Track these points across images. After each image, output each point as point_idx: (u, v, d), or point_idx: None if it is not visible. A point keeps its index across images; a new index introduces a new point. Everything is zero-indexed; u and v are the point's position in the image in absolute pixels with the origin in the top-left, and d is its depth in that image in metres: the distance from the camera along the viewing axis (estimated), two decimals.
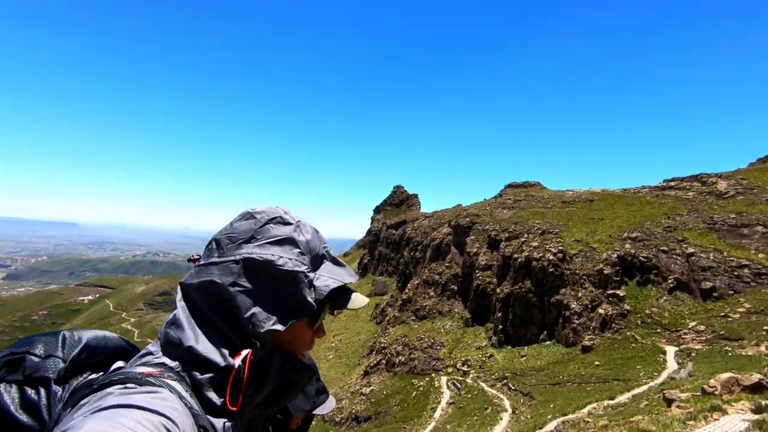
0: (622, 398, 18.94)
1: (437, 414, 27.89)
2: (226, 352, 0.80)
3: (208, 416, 0.77)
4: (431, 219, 59.74)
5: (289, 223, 0.94)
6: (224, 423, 0.78)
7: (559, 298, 32.64)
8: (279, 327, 0.84)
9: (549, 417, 18.51)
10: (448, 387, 31.16)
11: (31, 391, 0.76)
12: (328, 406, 1.56)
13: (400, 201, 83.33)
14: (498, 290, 37.11)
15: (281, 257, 0.88)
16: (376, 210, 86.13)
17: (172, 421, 0.65)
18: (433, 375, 33.77)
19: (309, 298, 0.89)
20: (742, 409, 6.62)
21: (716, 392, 11.08)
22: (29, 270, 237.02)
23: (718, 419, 6.23)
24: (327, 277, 0.93)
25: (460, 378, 31.83)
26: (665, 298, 29.78)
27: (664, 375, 21.63)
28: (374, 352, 42.59)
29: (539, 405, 22.60)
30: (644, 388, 19.92)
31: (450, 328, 38.99)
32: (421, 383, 32.89)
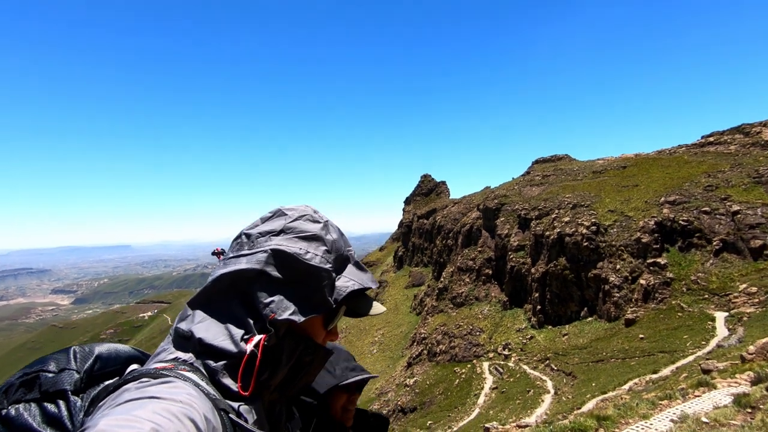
0: (666, 371, 18.24)
1: (481, 400, 27.88)
2: (238, 337, 0.82)
3: (228, 401, 0.78)
4: (460, 205, 59.09)
5: (318, 222, 0.96)
6: (244, 406, 0.80)
7: (596, 272, 31.62)
8: (297, 318, 0.85)
9: (588, 396, 18.12)
10: (490, 372, 31.03)
11: (50, 406, 0.77)
12: (361, 375, 1.57)
13: (428, 190, 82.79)
14: (533, 270, 36.38)
15: (309, 252, 0.90)
16: (407, 201, 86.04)
17: (191, 406, 0.64)
18: (474, 361, 33.70)
19: (328, 297, 0.90)
20: (745, 380, 6.23)
21: (754, 359, 10.52)
22: (94, 293, 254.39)
23: (699, 395, 5.93)
24: (348, 278, 0.94)
25: (502, 362, 31.61)
26: (711, 261, 28.19)
27: (712, 343, 20.60)
28: (415, 343, 42.96)
29: (581, 384, 22.14)
30: (690, 358, 19.08)
31: (488, 312, 38.66)
32: (463, 370, 32.92)
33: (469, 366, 33.26)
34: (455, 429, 24.42)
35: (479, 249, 44.74)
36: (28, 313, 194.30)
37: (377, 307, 1.00)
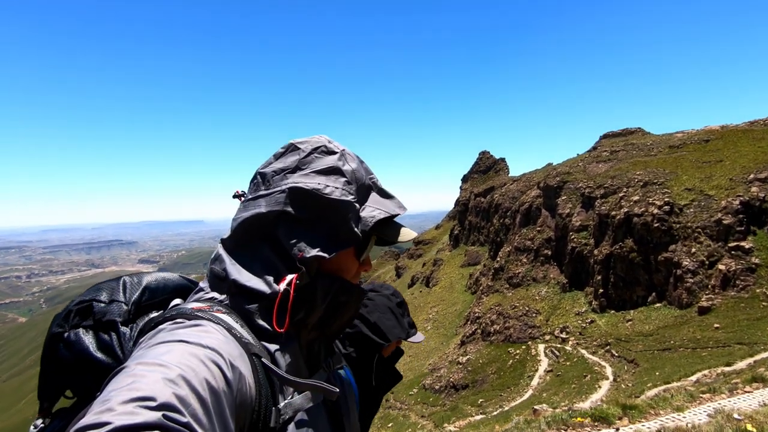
0: (742, 364, 16.79)
1: (534, 382, 27.41)
2: (270, 279, 0.81)
3: (263, 342, 0.78)
4: (519, 182, 56.87)
5: (334, 152, 0.91)
6: (280, 347, 0.80)
7: (668, 255, 29.34)
8: (324, 254, 0.83)
9: (649, 385, 17.17)
10: (546, 355, 30.28)
11: (103, 334, 0.83)
12: (418, 338, 1.68)
13: (486, 167, 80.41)
14: (596, 252, 34.48)
15: (327, 186, 0.86)
16: (464, 179, 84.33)
17: (217, 351, 0.64)
18: (529, 343, 33.01)
19: (355, 228, 0.87)
20: None
21: None
22: (174, 264, 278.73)
23: (750, 391, 5.33)
24: (373, 208, 0.91)
25: (559, 345, 30.67)
26: None
27: None
28: (469, 322, 42.80)
29: (643, 372, 20.99)
30: None
31: (546, 294, 37.43)
32: (518, 351, 32.41)
33: (523, 347, 32.67)
34: (506, 408, 24.32)
35: (538, 228, 43.07)
36: None
37: (406, 233, 0.97)
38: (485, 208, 62.38)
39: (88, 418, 0.51)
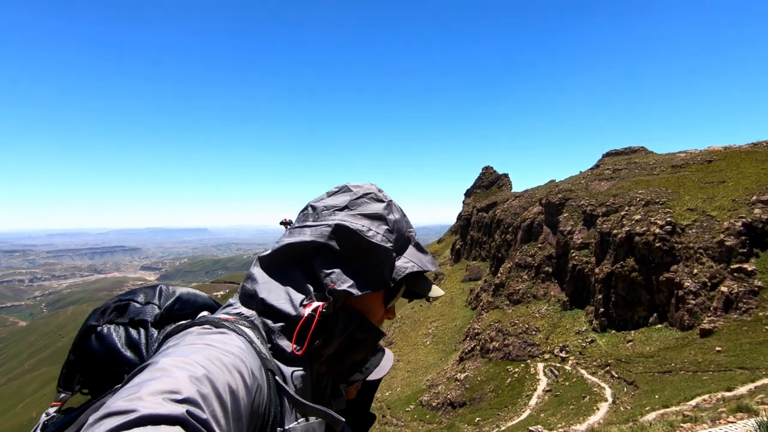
0: (743, 389, 16.45)
1: (533, 402, 26.98)
2: (297, 303, 0.85)
3: (277, 362, 0.81)
4: (521, 198, 56.80)
5: (382, 201, 0.97)
6: (293, 371, 0.82)
7: (669, 276, 29.05)
8: (355, 291, 0.86)
9: (647, 409, 16.86)
10: (545, 374, 29.85)
11: (134, 332, 0.89)
12: (381, 371, 1.38)
13: (489, 182, 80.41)
14: (597, 270, 34.21)
15: (371, 230, 0.91)
16: (467, 194, 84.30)
17: (241, 359, 0.67)
18: (528, 361, 32.58)
19: (388, 275, 0.91)
20: None
21: None
22: (176, 271, 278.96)
23: (733, 422, 5.20)
24: (408, 260, 0.95)
25: (558, 365, 30.26)
26: None
27: None
28: (469, 338, 42.37)
29: (643, 395, 20.62)
30: None
31: (546, 312, 37.07)
32: (516, 369, 31.99)
33: (522, 365, 32.24)
34: (503, 428, 23.91)
35: (539, 245, 42.87)
36: (121, 286, 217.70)
37: (436, 290, 1.00)
38: (487, 223, 62.25)
39: (117, 404, 0.55)
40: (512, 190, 72.39)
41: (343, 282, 0.87)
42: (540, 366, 31.19)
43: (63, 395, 0.86)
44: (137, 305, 0.93)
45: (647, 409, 16.99)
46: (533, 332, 35.26)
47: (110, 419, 0.55)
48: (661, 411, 16.00)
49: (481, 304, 46.54)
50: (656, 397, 19.43)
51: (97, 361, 0.86)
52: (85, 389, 0.86)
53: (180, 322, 0.86)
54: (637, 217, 33.03)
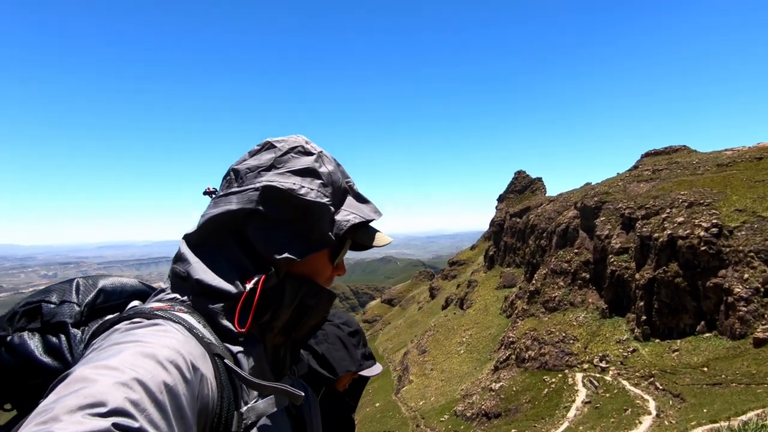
0: None
1: (571, 414, 25.99)
2: (237, 279, 0.78)
3: (226, 344, 0.75)
4: (556, 203, 55.19)
5: (311, 153, 0.88)
6: (244, 349, 0.76)
7: (717, 281, 27.38)
8: (294, 256, 0.80)
9: (693, 423, 15.93)
10: (584, 385, 28.71)
11: (52, 337, 0.79)
12: (373, 371, 1.56)
13: (522, 187, 78.64)
14: (637, 276, 32.69)
15: (303, 187, 0.83)
16: (499, 199, 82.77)
17: (177, 352, 0.61)
18: (566, 371, 31.44)
19: (329, 232, 0.84)
20: None
21: None
22: None
23: None
24: (348, 212, 0.88)
25: (598, 375, 29.03)
26: None
27: None
28: (503, 347, 41.39)
29: (690, 408, 19.49)
30: None
31: (584, 320, 35.71)
32: (553, 380, 30.94)
33: (560, 376, 31.15)
34: None
35: (576, 251, 41.46)
36: None
37: (381, 238, 0.94)
38: (521, 229, 60.88)
39: (28, 430, 0.46)
40: (546, 194, 70.55)
41: (281, 249, 0.80)
42: (579, 376, 30.04)
43: None
44: (50, 306, 0.82)
45: (693, 423, 16.07)
46: (571, 341, 34.03)
47: None
48: (709, 426, 15.08)
49: (516, 311, 45.41)
50: (704, 410, 18.33)
51: (14, 376, 0.77)
52: (7, 404, 0.78)
53: (105, 318, 0.78)
54: (680, 219, 31.41)
